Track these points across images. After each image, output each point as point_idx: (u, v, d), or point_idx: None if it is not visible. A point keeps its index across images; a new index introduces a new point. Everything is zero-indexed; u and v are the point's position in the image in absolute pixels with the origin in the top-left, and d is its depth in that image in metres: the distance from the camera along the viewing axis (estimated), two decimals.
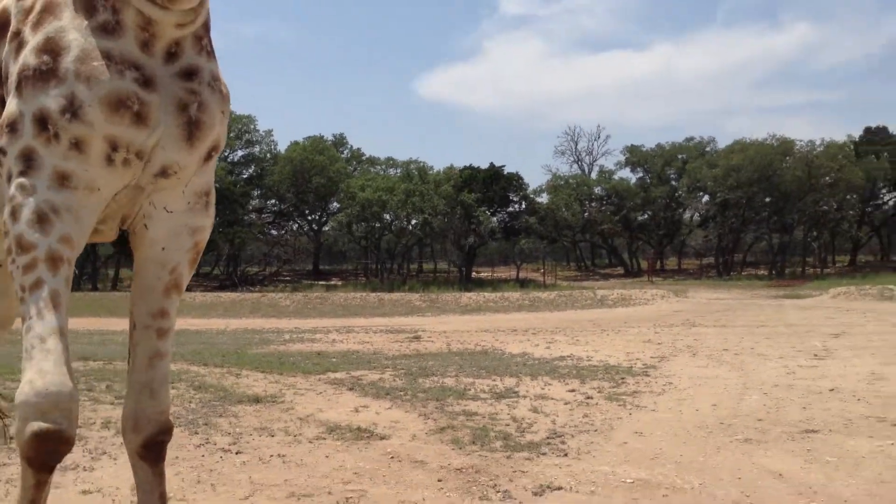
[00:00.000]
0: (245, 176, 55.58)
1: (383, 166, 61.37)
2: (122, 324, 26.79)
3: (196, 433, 7.60)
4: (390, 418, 8.18)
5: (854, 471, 5.89)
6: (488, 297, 34.92)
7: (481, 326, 22.17)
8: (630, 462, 6.22)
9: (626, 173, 64.19)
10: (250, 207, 54.69)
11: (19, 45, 2.79)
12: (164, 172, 2.86)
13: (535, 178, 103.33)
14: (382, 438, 7.21)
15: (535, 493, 5.39)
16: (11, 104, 2.75)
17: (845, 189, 54.73)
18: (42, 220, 2.64)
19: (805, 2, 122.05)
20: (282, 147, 57.28)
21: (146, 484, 3.07)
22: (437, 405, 8.85)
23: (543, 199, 56.73)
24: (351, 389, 10.32)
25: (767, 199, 56.17)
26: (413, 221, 49.85)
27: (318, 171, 52.10)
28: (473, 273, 54.21)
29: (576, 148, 71.24)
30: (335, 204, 57.45)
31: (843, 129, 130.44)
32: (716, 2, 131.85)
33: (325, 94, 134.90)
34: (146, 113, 2.71)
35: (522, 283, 47.87)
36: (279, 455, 6.66)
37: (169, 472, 5.97)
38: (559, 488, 5.50)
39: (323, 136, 58.87)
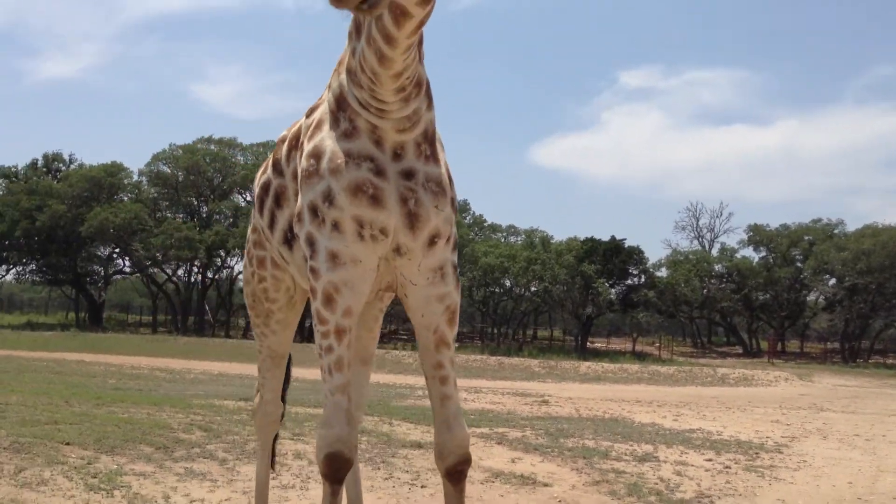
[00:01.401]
0: None
1: (504, 233, 63.08)
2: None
3: (378, 468, 8.80)
4: (546, 470, 9.14)
5: None
6: (606, 368, 35.25)
7: (604, 395, 22.72)
8: None
9: (748, 252, 63.36)
10: None
11: (301, 151, 3.83)
12: (398, 251, 3.65)
13: (652, 252, 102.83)
14: (546, 485, 8.21)
15: None
16: (298, 200, 3.75)
17: None
18: (328, 300, 3.58)
19: None
20: None
21: (450, 496, 3.89)
22: (585, 462, 9.74)
23: (663, 273, 56.69)
24: (500, 444, 11.30)
25: None
26: (532, 289, 50.83)
27: None
28: (588, 343, 54.50)
29: (697, 224, 70.97)
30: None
31: None
32: (844, 79, 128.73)
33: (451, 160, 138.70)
34: (380, 196, 3.52)
35: (639, 356, 47.80)
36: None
37: (370, 497, 7.16)
38: None
39: None
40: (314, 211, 3.58)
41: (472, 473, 8.65)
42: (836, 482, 9.34)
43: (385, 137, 3.53)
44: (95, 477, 7.35)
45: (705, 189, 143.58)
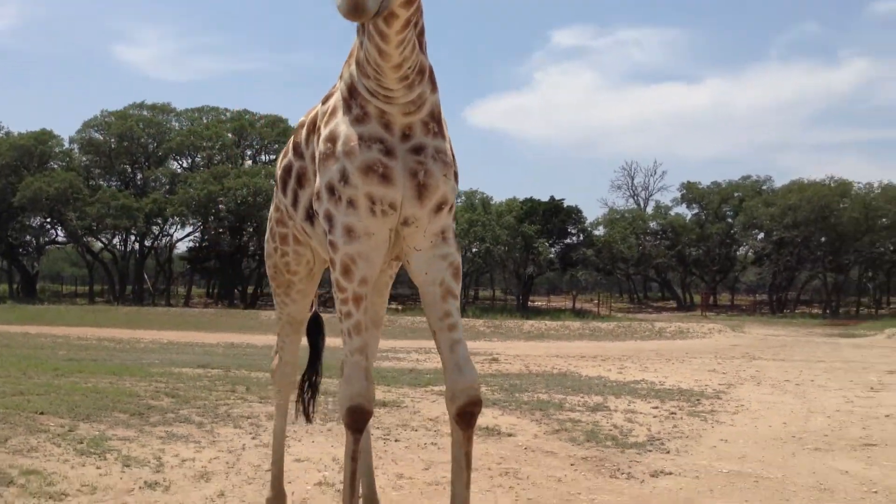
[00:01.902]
0: None
1: None
2: (212, 337, 28.38)
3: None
4: (507, 422, 9.73)
5: None
6: (549, 325, 36.30)
7: (549, 352, 23.57)
8: (722, 459, 7.71)
9: (681, 209, 65.31)
10: None
11: (318, 135, 4.21)
12: (406, 222, 4.01)
13: (589, 210, 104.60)
14: (510, 435, 8.80)
15: (652, 475, 6.93)
16: (316, 180, 4.13)
17: None
18: (346, 270, 3.95)
19: (864, 38, 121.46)
20: None
21: (458, 443, 4.12)
22: (543, 413, 10.37)
23: (600, 231, 58.08)
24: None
25: (823, 239, 56.66)
26: (474, 249, 51.51)
27: None
28: (529, 302, 55.69)
29: (632, 182, 72.63)
30: None
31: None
32: (770, 36, 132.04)
33: None
34: (389, 174, 3.88)
35: (578, 313, 49.15)
36: (433, 444, 8.29)
37: (338, 449, 7.62)
38: (669, 473, 7.02)
39: None
40: (331, 190, 3.95)
41: (441, 428, 9.20)
42: (772, 423, 10.18)
43: (393, 121, 3.89)
44: (82, 442, 7.61)
45: (638, 147, 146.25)
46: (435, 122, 4.00)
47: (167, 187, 56.93)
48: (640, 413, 10.68)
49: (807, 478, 7.00)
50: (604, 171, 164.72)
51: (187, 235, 61.11)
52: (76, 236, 56.31)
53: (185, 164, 59.11)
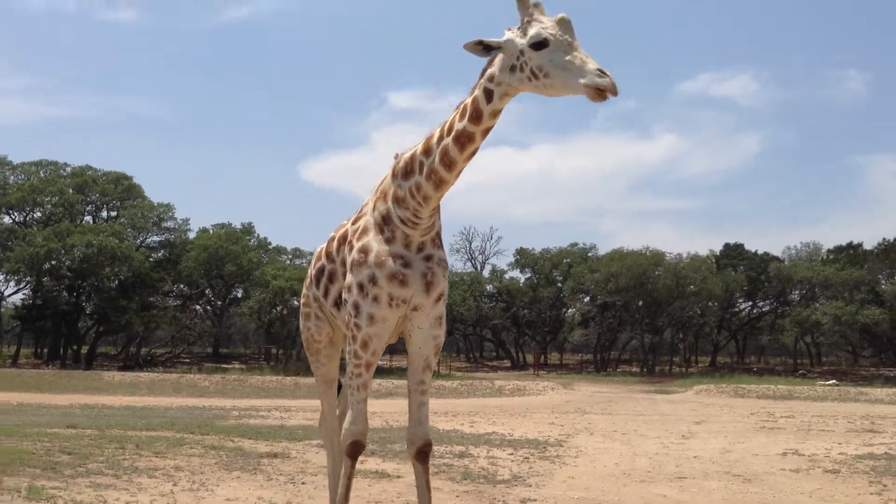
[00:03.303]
0: (153, 260, 57.18)
1: (290, 256, 64.49)
2: (60, 399, 27.73)
3: (255, 474, 10.47)
4: (391, 467, 11.30)
5: (709, 496, 9.56)
6: (396, 384, 37.77)
7: (403, 409, 25.11)
8: (572, 490, 9.69)
9: (516, 273, 69.60)
10: (162, 292, 56.62)
11: (350, 247, 5.82)
12: (415, 308, 5.66)
13: None
14: (398, 477, 10.39)
15: (521, 502, 8.76)
16: (348, 277, 5.72)
17: (707, 297, 61.40)
18: (365, 345, 5.59)
19: (672, 114, 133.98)
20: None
21: (419, 474, 5.77)
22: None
23: None
24: None
25: (641, 303, 62.01)
26: None
27: (231, 259, 54.64)
28: None
29: (470, 246, 76.14)
30: (240, 291, 59.93)
31: (704, 235, 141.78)
32: (593, 109, 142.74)
33: (220, 178, 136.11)
34: (406, 280, 5.54)
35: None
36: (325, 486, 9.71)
37: (266, 494, 8.92)
38: (535, 500, 8.90)
39: (231, 224, 62.00)
40: (361, 287, 5.51)
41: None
42: (606, 463, 12.35)
43: (413, 240, 5.53)
44: (20, 492, 8.43)
45: (474, 209, 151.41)
46: (438, 238, 5.73)
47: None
48: (500, 458, 12.55)
49: (636, 500, 9.08)
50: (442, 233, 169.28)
51: (16, 292, 58.25)
52: None
53: (19, 219, 56.64)
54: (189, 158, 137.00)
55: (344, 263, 5.90)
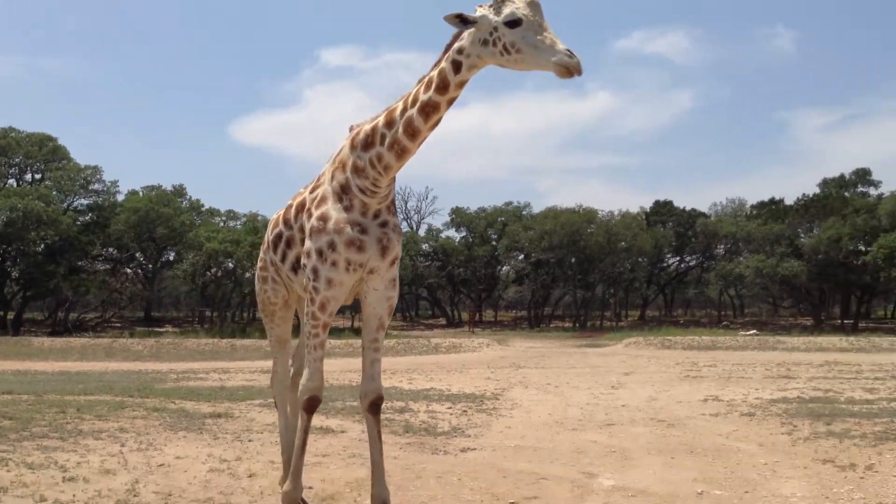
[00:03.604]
0: (80, 223, 55.64)
1: (224, 218, 63.75)
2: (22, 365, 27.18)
3: (201, 433, 10.73)
4: (335, 423, 11.68)
5: (635, 441, 10.22)
6: (335, 343, 38.11)
7: (343, 368, 25.53)
8: (508, 439, 10.24)
9: (451, 232, 70.19)
10: (91, 255, 55.30)
11: (309, 215, 6.08)
12: (371, 271, 5.98)
13: None
14: (342, 432, 10.79)
15: (462, 451, 9.27)
16: (307, 243, 5.98)
17: (637, 253, 63.19)
18: (323, 307, 5.89)
19: (606, 73, 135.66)
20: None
21: (371, 426, 6.18)
22: (360, 417, 12.37)
23: None
24: None
25: (573, 260, 63.42)
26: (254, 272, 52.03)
27: (163, 222, 53.69)
28: None
29: (406, 206, 76.33)
30: (172, 254, 59.08)
31: (637, 192, 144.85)
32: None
33: (149, 139, 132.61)
34: (364, 246, 5.86)
35: (357, 332, 51.41)
36: (271, 442, 10.06)
37: (216, 452, 9.22)
38: (474, 449, 9.41)
39: (162, 186, 60.83)
40: (320, 253, 5.80)
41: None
42: (540, 414, 12.98)
43: (370, 208, 5.83)
44: None
45: (410, 169, 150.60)
46: (393, 205, 6.06)
47: None
48: (439, 412, 13.06)
49: (568, 446, 9.68)
50: None
51: None
52: None
53: None
54: (116, 120, 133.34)
55: (302, 230, 6.17)
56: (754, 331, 51.22)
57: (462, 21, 5.10)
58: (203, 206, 63.50)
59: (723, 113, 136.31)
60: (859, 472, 8.12)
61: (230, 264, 51.11)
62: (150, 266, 61.47)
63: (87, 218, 56.55)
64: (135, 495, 7.05)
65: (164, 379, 21.30)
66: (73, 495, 6.94)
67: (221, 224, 61.89)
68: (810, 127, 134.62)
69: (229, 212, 64.53)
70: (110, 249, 57.96)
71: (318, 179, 6.21)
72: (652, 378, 20.58)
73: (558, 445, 9.82)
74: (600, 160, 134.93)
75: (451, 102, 5.42)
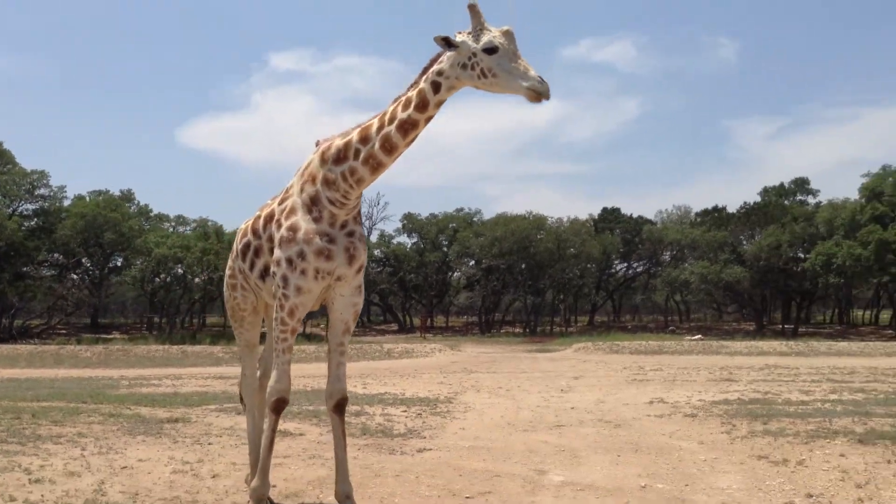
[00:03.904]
0: (26, 228, 54.52)
1: (173, 223, 63.01)
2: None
3: (160, 438, 10.90)
4: (292, 426, 11.92)
5: (583, 440, 10.69)
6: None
7: (297, 373, 25.62)
8: (463, 440, 10.63)
9: (403, 238, 70.51)
10: (36, 261, 54.24)
11: (278, 225, 6.38)
12: (339, 279, 6.33)
13: None
14: (301, 435, 11.05)
15: (418, 451, 9.62)
16: (277, 252, 6.27)
17: (586, 259, 64.27)
18: (292, 313, 6.20)
19: (556, 79, 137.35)
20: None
21: (336, 426, 6.50)
22: (317, 420, 12.67)
23: None
24: (239, 414, 13.75)
25: (524, 266, 64.22)
26: (206, 277, 51.82)
27: (111, 227, 52.91)
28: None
29: None
30: (119, 259, 58.21)
31: (585, 198, 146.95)
32: None
33: (96, 143, 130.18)
34: (332, 256, 6.20)
35: (308, 337, 51.38)
36: (242, 444, 10.28)
37: (177, 454, 9.42)
38: (430, 449, 9.77)
39: (110, 191, 59.86)
40: (290, 262, 6.11)
41: (243, 436, 11.18)
42: (493, 416, 13.39)
43: (337, 219, 6.17)
44: None
45: None
46: (359, 215, 6.43)
47: None
48: (394, 415, 13.38)
49: (520, 446, 10.11)
50: None
51: None
52: None
53: None
54: (62, 124, 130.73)
55: (270, 239, 6.47)
56: (699, 336, 52.58)
57: (447, 44, 5.51)
58: (151, 211, 62.82)
59: (669, 121, 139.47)
60: (791, 466, 8.69)
61: (180, 270, 50.62)
62: (97, 272, 60.49)
63: (32, 223, 55.50)
64: (102, 495, 7.25)
65: (115, 385, 21.19)
66: (42, 495, 7.12)
67: (171, 229, 61.23)
68: (753, 135, 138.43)
69: (179, 217, 63.93)
70: (56, 255, 56.95)
71: (287, 192, 6.52)
72: (600, 382, 21.18)
73: (510, 445, 10.24)
74: (551, 167, 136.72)
75: (428, 120, 5.81)
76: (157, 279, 51.66)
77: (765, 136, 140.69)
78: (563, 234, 62.90)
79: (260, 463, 6.53)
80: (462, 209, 70.69)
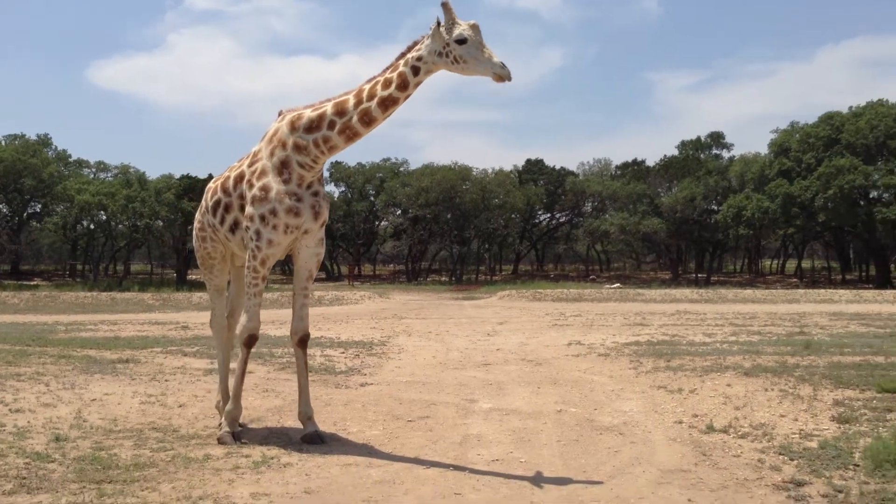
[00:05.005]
0: None
1: (94, 169, 61.70)
2: None
3: (118, 376, 11.67)
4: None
5: (508, 376, 11.97)
6: None
7: None
8: (400, 376, 11.77)
9: (330, 188, 70.76)
10: None
11: (249, 185, 7.27)
12: (305, 232, 7.28)
13: None
14: (251, 373, 11.93)
15: (361, 385, 10.73)
16: (249, 209, 7.15)
17: (510, 210, 65.99)
18: (264, 262, 7.17)
19: (482, 26, 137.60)
20: None
21: (299, 358, 7.53)
22: (263, 360, 13.61)
23: None
24: (186, 355, 14.58)
25: (449, 216, 65.49)
26: (131, 225, 51.34)
27: (30, 173, 51.61)
28: (187, 275, 56.83)
29: None
30: (38, 205, 56.91)
31: (511, 149, 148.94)
32: (400, 20, 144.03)
33: (5, 83, 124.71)
34: (300, 213, 7.15)
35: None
36: (199, 380, 11.19)
37: (141, 390, 10.25)
38: (371, 384, 10.88)
39: (26, 135, 58.06)
40: (263, 218, 7.06)
41: (194, 373, 12.05)
42: (425, 357, 14.58)
43: (304, 180, 7.14)
44: None
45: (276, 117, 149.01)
46: (321, 177, 7.38)
47: None
48: (335, 356, 14.42)
49: (452, 381, 11.32)
50: (244, 142, 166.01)
51: None
52: None
53: None
54: None
55: (241, 197, 7.37)
56: (618, 284, 54.96)
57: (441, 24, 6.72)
58: (70, 156, 61.33)
59: (592, 72, 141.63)
60: (684, 394, 10.11)
61: (103, 217, 49.98)
62: (17, 218, 59.06)
63: None
64: (84, 420, 8.12)
65: (53, 330, 21.54)
66: (28, 422, 7.95)
67: (91, 176, 60.03)
68: (674, 88, 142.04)
69: (99, 163, 62.66)
70: None
71: (255, 155, 7.43)
72: (523, 327, 22.61)
73: (443, 380, 11.44)
74: (473, 114, 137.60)
75: (407, 98, 6.93)
76: (81, 226, 50.90)
77: (685, 88, 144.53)
78: (488, 185, 64.25)
79: (233, 390, 7.50)
80: (388, 159, 71.31)
